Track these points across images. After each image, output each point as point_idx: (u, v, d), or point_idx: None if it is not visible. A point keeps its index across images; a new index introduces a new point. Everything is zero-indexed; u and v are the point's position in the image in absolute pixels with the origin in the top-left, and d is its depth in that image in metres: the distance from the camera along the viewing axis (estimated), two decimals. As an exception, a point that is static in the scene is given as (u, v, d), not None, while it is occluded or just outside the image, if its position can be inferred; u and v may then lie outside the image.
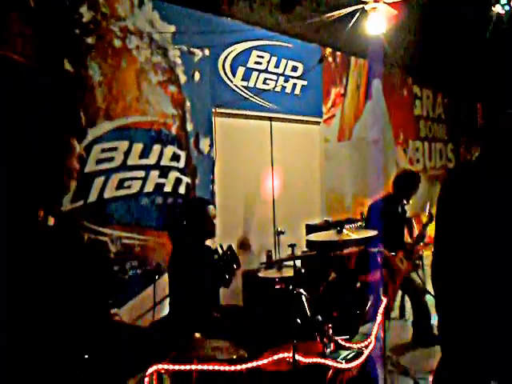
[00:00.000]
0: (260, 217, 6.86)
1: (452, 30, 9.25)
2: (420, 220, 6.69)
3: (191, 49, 5.75)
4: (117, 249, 5.01)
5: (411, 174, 5.68)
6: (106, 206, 4.95)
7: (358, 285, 4.73)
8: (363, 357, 3.66)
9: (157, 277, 4.47)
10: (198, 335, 3.46)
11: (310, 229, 6.60)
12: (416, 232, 5.98)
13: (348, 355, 3.65)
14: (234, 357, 3.38)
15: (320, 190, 7.91)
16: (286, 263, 4.28)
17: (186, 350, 3.36)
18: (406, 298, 5.96)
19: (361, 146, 8.73)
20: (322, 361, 3.37)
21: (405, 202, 5.56)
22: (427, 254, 8.23)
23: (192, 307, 3.91)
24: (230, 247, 4.35)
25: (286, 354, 3.33)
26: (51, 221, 4.35)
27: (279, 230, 6.86)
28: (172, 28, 5.52)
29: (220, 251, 4.25)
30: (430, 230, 5.53)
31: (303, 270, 4.49)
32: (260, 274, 4.46)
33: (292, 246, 3.81)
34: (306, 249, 6.05)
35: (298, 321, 3.54)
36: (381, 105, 9.35)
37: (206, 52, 5.94)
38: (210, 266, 4.29)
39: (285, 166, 7.15)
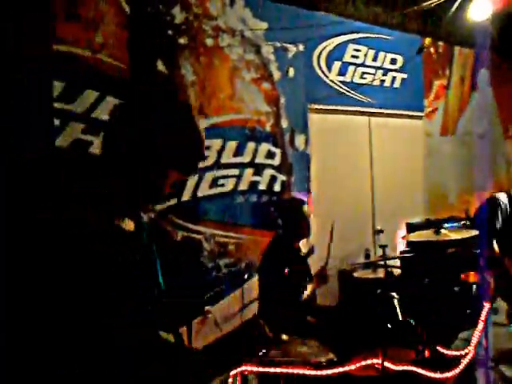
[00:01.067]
0: (358, 215, 6.68)
1: None
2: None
3: (284, 44, 5.69)
4: (210, 247, 5.05)
5: None
6: (200, 205, 5.00)
7: (458, 288, 4.48)
8: (461, 366, 3.46)
9: (246, 276, 4.46)
10: (285, 337, 3.41)
11: (411, 227, 6.35)
12: None
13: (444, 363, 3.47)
14: (323, 360, 3.31)
15: (422, 186, 7.58)
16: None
17: (274, 351, 3.32)
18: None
19: (466, 140, 8.28)
20: (414, 369, 3.21)
21: None
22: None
23: (282, 307, 3.86)
24: (312, 248, 4.29)
25: (374, 360, 3.21)
26: (131, 226, 4.43)
27: (378, 228, 6.64)
28: (264, 25, 5.49)
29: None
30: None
31: (398, 272, 4.31)
32: (355, 274, 4.35)
33: (383, 246, 3.67)
34: (406, 248, 5.82)
35: (389, 325, 3.40)
36: (488, 97, 8.81)
37: (300, 47, 5.86)
38: (301, 266, 4.23)
39: (384, 162, 6.91)
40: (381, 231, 6.59)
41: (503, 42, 8.25)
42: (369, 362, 3.22)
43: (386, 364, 3.14)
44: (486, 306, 4.15)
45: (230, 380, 3.22)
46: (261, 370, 3.15)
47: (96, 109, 4.36)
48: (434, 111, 7.73)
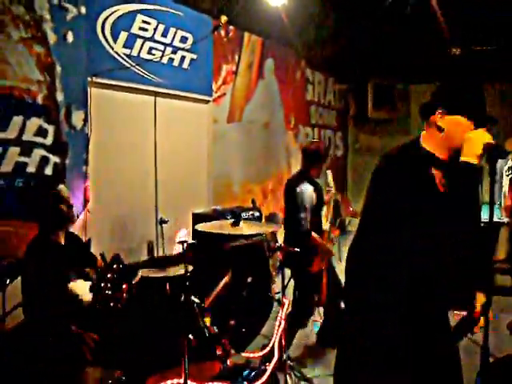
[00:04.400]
0: (141, 203, 6.09)
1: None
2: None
3: (63, 3, 4.83)
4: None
5: (318, 143, 5.09)
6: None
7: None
8: (266, 375, 3.09)
9: (8, 280, 3.56)
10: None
11: (198, 218, 5.92)
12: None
13: (250, 373, 3.07)
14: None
15: (207, 174, 7.25)
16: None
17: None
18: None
19: (251, 128, 8.16)
20: (219, 385, 2.74)
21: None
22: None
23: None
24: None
25: (175, 381, 2.67)
26: None
27: (162, 218, 6.07)
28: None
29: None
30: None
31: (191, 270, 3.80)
32: (140, 274, 3.71)
33: (182, 242, 3.14)
34: (193, 241, 5.35)
35: (191, 336, 2.87)
36: (273, 87, 8.82)
37: (83, 9, 5.04)
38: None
39: (170, 146, 6.38)
40: (165, 221, 6.03)
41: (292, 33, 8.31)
42: (168, 382, 2.67)
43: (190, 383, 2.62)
44: (285, 303, 3.90)
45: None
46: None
47: None
48: (222, 96, 7.43)
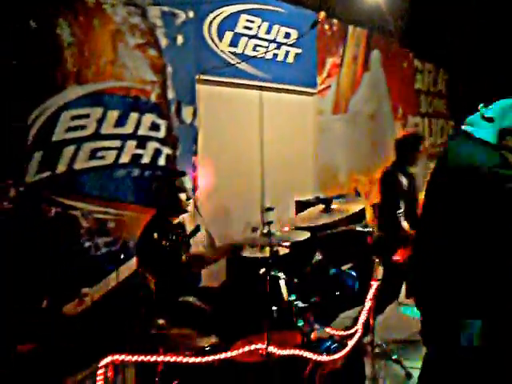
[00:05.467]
0: (247, 192, 6.48)
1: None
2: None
3: (173, 10, 5.32)
4: (88, 224, 4.65)
5: (413, 134, 5.19)
6: (77, 178, 4.58)
7: (344, 267, 4.40)
8: (347, 348, 3.34)
9: (122, 256, 4.10)
10: (162, 321, 3.12)
11: (301, 205, 6.22)
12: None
13: (332, 345, 3.33)
14: (205, 345, 3.08)
15: (313, 164, 7.51)
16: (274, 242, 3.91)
17: (150, 337, 3.04)
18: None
19: (357, 119, 8.31)
20: (300, 353, 3.04)
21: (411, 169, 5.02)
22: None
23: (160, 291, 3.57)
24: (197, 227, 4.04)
25: (259, 345, 3.00)
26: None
27: (268, 206, 6.45)
28: (151, -14, 5.09)
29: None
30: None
31: (286, 251, 4.14)
32: (242, 253, 4.11)
33: (268, 223, 3.47)
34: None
35: (274, 308, 3.20)
36: (379, 78, 8.90)
37: (190, 14, 5.51)
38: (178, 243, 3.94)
39: (275, 137, 6.73)
40: (270, 209, 6.40)
41: (396, 24, 8.34)
42: (253, 347, 3.02)
43: (271, 349, 2.95)
44: (374, 284, 4.10)
45: (100, 372, 2.89)
46: (134, 358, 2.85)
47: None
48: (327, 89, 7.66)
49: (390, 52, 9.10)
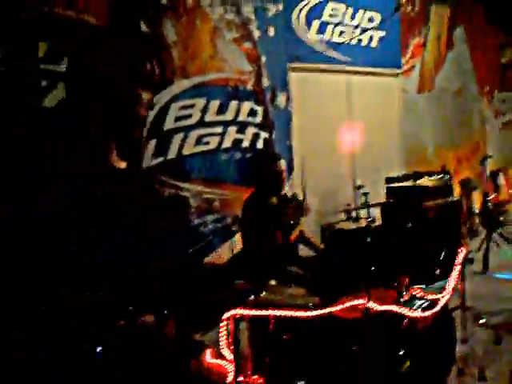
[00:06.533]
0: (339, 171, 6.84)
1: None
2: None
3: (264, 4, 5.75)
4: (197, 203, 5.19)
5: None
6: (185, 162, 5.13)
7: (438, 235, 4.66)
8: (438, 306, 3.64)
9: (234, 228, 4.61)
10: (273, 282, 3.57)
11: (390, 181, 6.50)
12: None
13: (423, 304, 3.64)
14: (310, 303, 3.47)
15: (400, 142, 7.75)
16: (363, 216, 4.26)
17: (264, 295, 3.48)
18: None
19: (442, 97, 8.44)
20: (396, 308, 3.39)
21: None
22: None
23: (264, 257, 4.01)
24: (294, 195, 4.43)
25: (359, 301, 3.38)
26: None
27: (359, 184, 6.78)
28: (245, -16, 5.56)
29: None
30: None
31: (379, 222, 4.49)
32: (337, 226, 4.50)
33: (365, 194, 3.81)
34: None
35: (373, 268, 3.57)
36: (464, 54, 8.96)
37: (280, 6, 5.92)
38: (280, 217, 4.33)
39: (363, 119, 7.03)
40: (362, 186, 6.73)
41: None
42: (353, 302, 3.39)
43: (370, 304, 3.31)
44: (463, 251, 4.35)
45: (223, 324, 3.38)
46: (251, 312, 3.31)
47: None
48: (411, 69, 7.86)
49: (474, 28, 9.11)
